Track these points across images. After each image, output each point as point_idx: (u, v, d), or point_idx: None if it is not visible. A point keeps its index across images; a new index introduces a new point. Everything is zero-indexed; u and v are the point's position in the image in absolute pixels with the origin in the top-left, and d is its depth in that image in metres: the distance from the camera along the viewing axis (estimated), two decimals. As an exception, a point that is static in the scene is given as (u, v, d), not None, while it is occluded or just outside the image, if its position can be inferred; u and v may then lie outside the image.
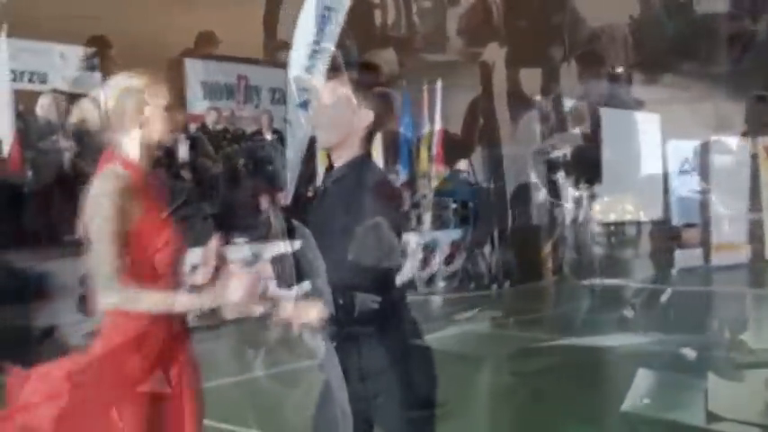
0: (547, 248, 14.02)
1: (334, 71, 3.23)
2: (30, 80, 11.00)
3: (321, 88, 3.13)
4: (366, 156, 3.09)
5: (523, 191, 13.95)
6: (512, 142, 14.58)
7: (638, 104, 18.07)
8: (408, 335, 3.06)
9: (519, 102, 16.06)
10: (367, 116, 3.03)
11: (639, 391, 5.85)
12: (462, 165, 13.95)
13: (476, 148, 14.19)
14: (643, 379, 6.07)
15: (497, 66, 14.63)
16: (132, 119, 2.91)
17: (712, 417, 5.53)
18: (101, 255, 2.84)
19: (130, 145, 2.94)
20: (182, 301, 2.91)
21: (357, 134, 3.03)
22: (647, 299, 9.06)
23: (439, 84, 13.92)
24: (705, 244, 16.87)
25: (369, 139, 3.08)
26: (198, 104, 12.74)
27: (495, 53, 14.11)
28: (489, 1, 17.94)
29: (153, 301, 2.89)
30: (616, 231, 15.66)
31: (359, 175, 3.01)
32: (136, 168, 2.95)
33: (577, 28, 18.64)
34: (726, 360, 6.72)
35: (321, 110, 3.08)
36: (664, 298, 8.55)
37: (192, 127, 11.84)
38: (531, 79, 17.25)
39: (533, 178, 14.53)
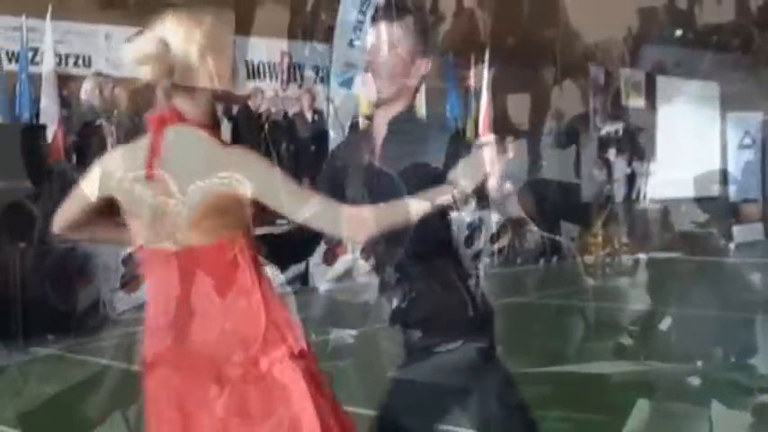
0: (597, 224, 13.85)
1: (386, 16, 2.79)
2: (75, 64, 11.20)
3: (376, 31, 2.79)
4: (415, 108, 2.88)
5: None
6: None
7: (697, 73, 17.64)
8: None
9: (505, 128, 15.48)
10: (424, 65, 2.80)
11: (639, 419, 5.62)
12: (509, 142, 13.77)
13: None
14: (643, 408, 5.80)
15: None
16: (212, 64, 2.38)
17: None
18: (302, 198, 2.37)
19: (196, 103, 2.41)
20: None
21: (413, 84, 2.81)
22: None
23: (487, 54, 13.79)
24: (765, 219, 16.58)
25: (417, 90, 2.86)
26: (241, 83, 12.79)
27: (480, 74, 13.72)
28: (476, 18, 17.36)
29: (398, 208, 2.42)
30: (670, 207, 15.40)
31: (417, 127, 2.81)
32: (210, 133, 2.42)
33: (571, 44, 17.91)
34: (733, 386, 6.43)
35: (379, 56, 2.78)
36: (664, 326, 8.39)
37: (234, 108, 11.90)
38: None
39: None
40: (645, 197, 15.11)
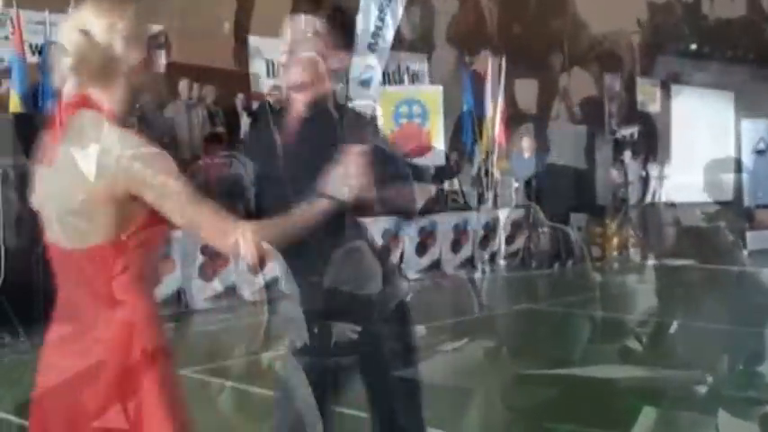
0: (612, 228, 13.87)
1: (307, 7, 3.03)
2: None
3: (297, 20, 3.01)
4: (331, 95, 2.99)
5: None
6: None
7: (712, 83, 17.66)
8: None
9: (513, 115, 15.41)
10: (343, 56, 2.96)
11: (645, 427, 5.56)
12: (525, 141, 13.81)
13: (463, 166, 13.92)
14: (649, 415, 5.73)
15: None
16: (133, 56, 2.32)
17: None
18: (190, 200, 2.27)
19: (111, 94, 2.34)
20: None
21: (329, 75, 2.94)
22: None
23: (503, 60, 13.80)
24: (780, 226, 16.53)
25: (334, 82, 3.00)
26: (262, 82, 12.90)
27: (487, 62, 13.69)
28: (482, 6, 17.23)
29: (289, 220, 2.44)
30: (685, 212, 15.39)
31: (332, 113, 2.91)
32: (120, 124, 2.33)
33: (578, 34, 17.75)
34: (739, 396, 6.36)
35: (299, 44, 2.91)
36: (673, 329, 8.39)
37: (255, 105, 12.02)
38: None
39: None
40: (659, 200, 15.13)
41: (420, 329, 8.57)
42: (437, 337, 8.17)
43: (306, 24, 2.93)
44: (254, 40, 13.22)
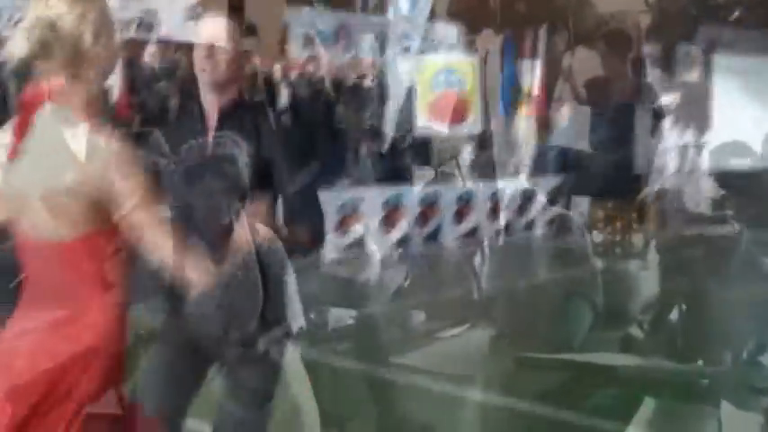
0: (646, 198, 13.79)
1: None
2: (137, 28, 11.48)
3: (213, 21, 3.05)
4: (245, 96, 3.06)
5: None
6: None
7: (753, 51, 17.38)
8: None
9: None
10: (252, 59, 3.09)
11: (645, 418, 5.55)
12: (564, 111, 13.77)
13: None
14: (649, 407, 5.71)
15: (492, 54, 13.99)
16: (103, 45, 2.20)
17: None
18: (159, 222, 2.14)
19: (79, 85, 2.18)
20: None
21: (243, 75, 3.03)
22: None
23: (543, 29, 13.77)
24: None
25: (246, 80, 3.11)
26: (299, 54, 13.00)
27: (489, 40, 13.60)
28: None
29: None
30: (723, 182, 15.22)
31: (248, 114, 3.00)
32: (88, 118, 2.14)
33: (583, 13, 17.48)
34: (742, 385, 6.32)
35: (218, 43, 2.95)
36: (674, 317, 8.34)
37: (293, 75, 12.16)
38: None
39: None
40: (697, 170, 14.99)
41: (419, 315, 8.62)
42: (441, 321, 8.19)
43: (223, 25, 3.04)
44: (291, 12, 13.32)
